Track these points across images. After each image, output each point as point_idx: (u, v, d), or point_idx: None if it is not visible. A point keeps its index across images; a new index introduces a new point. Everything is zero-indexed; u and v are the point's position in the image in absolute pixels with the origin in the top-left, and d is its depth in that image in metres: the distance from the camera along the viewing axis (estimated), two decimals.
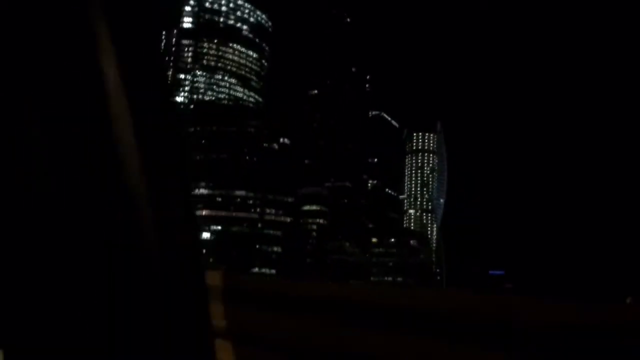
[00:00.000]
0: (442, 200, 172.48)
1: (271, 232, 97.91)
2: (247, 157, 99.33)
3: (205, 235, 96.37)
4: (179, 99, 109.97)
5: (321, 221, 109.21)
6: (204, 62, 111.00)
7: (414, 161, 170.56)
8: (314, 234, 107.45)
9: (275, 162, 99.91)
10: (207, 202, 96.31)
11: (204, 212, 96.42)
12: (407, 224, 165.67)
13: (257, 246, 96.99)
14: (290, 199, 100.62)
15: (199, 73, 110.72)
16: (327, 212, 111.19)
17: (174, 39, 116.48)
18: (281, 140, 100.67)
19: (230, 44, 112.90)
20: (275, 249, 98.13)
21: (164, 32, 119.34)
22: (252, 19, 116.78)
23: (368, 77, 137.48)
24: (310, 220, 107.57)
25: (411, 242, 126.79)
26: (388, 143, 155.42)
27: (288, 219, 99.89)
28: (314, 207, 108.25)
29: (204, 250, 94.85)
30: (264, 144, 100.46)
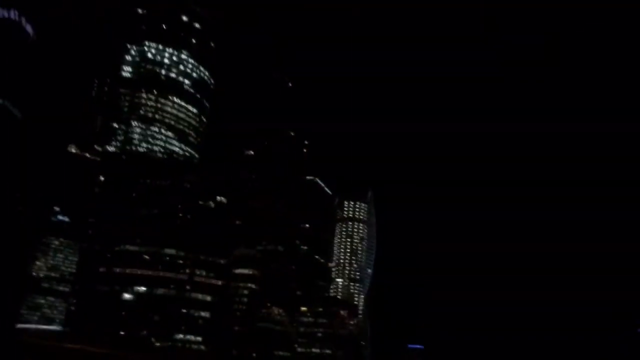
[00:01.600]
0: (369, 271, 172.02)
1: (200, 295, 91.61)
2: (181, 214, 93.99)
3: (127, 296, 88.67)
4: (110, 148, 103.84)
5: (252, 286, 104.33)
6: (141, 112, 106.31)
7: (344, 229, 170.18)
8: (245, 299, 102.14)
9: (210, 221, 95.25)
10: (133, 259, 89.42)
11: (127, 271, 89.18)
12: (335, 293, 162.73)
13: (184, 310, 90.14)
14: (222, 261, 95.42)
15: (134, 123, 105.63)
16: (258, 276, 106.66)
17: (107, 87, 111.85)
18: (218, 198, 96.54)
19: (170, 97, 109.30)
20: (203, 314, 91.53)
21: (97, 79, 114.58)
22: (194, 74, 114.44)
23: (306, 142, 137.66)
24: (241, 284, 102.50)
25: (341, 312, 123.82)
26: (320, 209, 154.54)
27: (219, 282, 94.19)
28: (245, 271, 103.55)
29: (123, 313, 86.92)
30: (200, 202, 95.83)
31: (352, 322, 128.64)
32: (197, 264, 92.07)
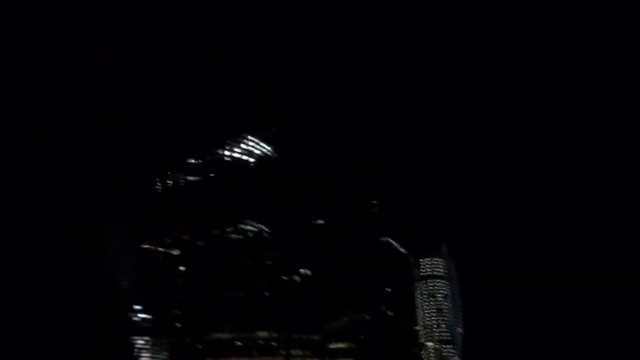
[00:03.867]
0: (459, 329, 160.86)
1: None
2: (267, 293, 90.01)
3: None
4: (185, 236, 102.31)
5: None
6: None
7: (424, 288, 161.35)
8: None
9: (297, 296, 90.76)
10: (226, 347, 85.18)
11: None
12: (427, 358, 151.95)
13: None
14: (316, 337, 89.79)
15: None
16: (354, 349, 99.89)
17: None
18: (302, 271, 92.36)
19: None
20: None
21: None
22: (257, 151, 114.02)
23: (374, 201, 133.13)
24: None
25: None
26: (397, 270, 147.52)
27: None
28: (341, 345, 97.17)
29: None
30: (283, 277, 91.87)
31: None
32: (292, 343, 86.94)
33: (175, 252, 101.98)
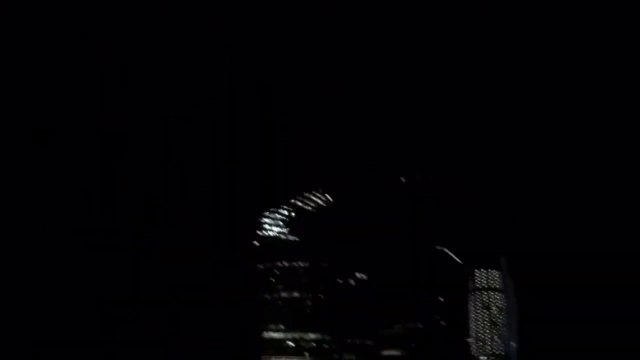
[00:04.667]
0: (514, 344, 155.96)
1: None
2: (321, 295, 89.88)
3: None
4: None
5: None
6: None
7: (479, 300, 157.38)
8: None
9: (352, 299, 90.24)
10: (277, 347, 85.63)
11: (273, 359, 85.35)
12: None
13: None
14: (369, 342, 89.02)
15: None
16: (406, 357, 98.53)
17: None
18: (358, 275, 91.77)
19: None
20: None
21: None
22: None
23: (432, 209, 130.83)
24: None
25: None
26: (452, 281, 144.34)
27: None
28: (394, 352, 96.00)
29: None
30: (339, 280, 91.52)
31: None
32: (345, 347, 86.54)
33: None
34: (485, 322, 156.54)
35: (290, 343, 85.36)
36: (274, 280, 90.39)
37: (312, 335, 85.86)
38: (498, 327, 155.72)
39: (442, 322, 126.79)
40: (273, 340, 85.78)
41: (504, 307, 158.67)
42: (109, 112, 75.63)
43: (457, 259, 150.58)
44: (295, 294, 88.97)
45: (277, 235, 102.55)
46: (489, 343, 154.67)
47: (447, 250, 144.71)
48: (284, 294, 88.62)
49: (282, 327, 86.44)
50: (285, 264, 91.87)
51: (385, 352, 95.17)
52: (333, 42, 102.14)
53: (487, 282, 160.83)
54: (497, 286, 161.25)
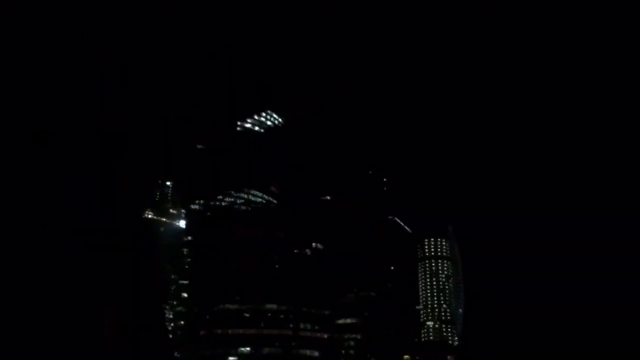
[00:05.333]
0: (461, 311, 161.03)
1: (307, 352, 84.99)
2: (277, 266, 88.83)
3: (231, 359, 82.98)
4: (193, 206, 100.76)
5: (357, 336, 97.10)
6: None
7: (427, 269, 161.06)
8: (352, 351, 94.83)
9: (308, 269, 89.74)
10: (234, 318, 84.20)
11: (230, 331, 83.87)
12: (426, 337, 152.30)
13: None
14: (326, 312, 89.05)
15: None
16: (361, 325, 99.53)
17: None
18: (314, 245, 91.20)
19: None
20: None
21: None
22: (269, 122, 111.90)
23: (385, 179, 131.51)
24: (346, 336, 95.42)
25: (448, 357, 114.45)
26: (402, 249, 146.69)
27: (325, 335, 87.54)
28: (349, 320, 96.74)
29: None
30: (295, 250, 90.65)
31: None
32: (301, 317, 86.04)
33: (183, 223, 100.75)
34: (434, 290, 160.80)
35: (247, 314, 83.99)
36: (227, 252, 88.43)
37: (268, 306, 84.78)
38: (446, 294, 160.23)
39: (393, 290, 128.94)
40: (229, 311, 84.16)
41: (451, 276, 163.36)
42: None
43: (407, 229, 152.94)
44: (250, 266, 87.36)
45: (227, 205, 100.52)
46: (437, 309, 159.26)
47: (398, 220, 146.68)
48: (238, 266, 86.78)
49: (237, 298, 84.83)
50: (239, 235, 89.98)
51: (341, 321, 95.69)
52: None
53: (436, 251, 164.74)
54: (446, 255, 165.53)
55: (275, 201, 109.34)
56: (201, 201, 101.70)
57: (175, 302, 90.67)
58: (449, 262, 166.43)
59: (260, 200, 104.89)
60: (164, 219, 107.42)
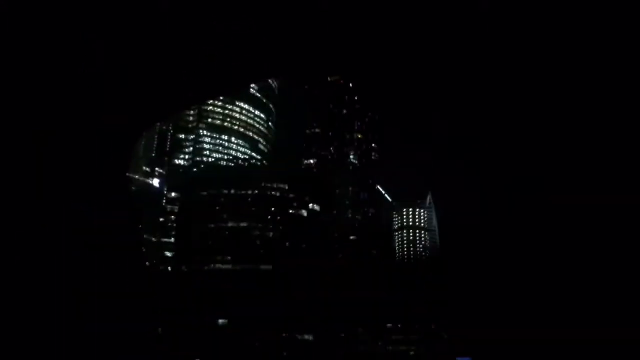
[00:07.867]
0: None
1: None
2: (271, 226, 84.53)
3: (222, 321, 78.81)
4: (180, 161, 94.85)
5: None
6: (209, 120, 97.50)
7: (405, 237, 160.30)
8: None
9: (303, 231, 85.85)
10: (226, 280, 79.65)
11: (221, 293, 79.30)
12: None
13: (284, 334, 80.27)
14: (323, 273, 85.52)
15: (203, 133, 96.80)
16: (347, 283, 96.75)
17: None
18: (311, 206, 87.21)
19: (238, 103, 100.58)
20: (306, 336, 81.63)
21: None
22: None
23: (374, 145, 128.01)
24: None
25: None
26: (382, 218, 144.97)
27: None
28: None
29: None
30: (291, 211, 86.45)
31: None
32: (297, 278, 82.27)
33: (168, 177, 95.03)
34: (410, 259, 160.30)
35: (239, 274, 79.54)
36: (219, 210, 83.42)
37: (262, 267, 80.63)
38: (422, 263, 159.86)
39: (373, 252, 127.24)
40: (221, 271, 79.54)
41: (428, 245, 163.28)
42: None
43: (388, 197, 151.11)
44: (244, 225, 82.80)
45: (214, 162, 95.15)
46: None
47: (379, 188, 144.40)
48: (231, 225, 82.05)
49: (229, 259, 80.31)
50: (232, 192, 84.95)
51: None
52: None
53: (414, 221, 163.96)
54: (423, 225, 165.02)
55: (264, 161, 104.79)
56: (186, 157, 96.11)
57: (157, 262, 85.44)
58: (426, 233, 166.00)
59: (248, 158, 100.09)
60: (137, 177, 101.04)
